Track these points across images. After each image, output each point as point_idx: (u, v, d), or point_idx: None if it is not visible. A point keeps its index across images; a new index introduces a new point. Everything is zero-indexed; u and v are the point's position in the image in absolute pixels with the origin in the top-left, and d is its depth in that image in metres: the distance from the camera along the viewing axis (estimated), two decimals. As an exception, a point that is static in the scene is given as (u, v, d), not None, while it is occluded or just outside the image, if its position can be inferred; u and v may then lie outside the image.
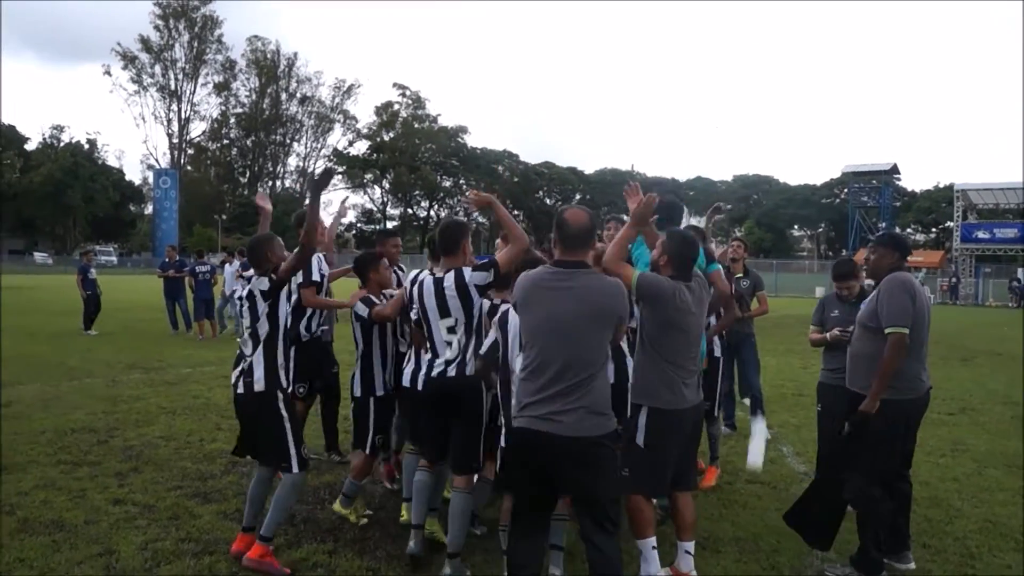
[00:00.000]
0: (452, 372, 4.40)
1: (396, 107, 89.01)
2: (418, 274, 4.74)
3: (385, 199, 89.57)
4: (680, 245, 4.17)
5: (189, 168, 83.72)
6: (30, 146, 77.08)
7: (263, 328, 4.42)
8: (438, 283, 4.42)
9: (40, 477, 5.95)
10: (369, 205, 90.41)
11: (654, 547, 4.14)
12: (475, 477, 4.54)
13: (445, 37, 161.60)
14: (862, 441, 4.45)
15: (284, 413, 4.41)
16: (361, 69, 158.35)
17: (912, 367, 4.51)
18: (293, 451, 4.39)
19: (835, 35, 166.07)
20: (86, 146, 76.72)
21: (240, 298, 4.51)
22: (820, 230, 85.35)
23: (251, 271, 4.62)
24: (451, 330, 4.42)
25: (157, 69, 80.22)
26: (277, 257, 4.50)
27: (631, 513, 4.16)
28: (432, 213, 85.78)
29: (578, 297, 3.53)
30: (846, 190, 68.05)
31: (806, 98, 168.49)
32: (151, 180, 74.12)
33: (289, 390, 4.69)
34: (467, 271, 4.37)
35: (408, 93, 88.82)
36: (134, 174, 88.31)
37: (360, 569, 4.42)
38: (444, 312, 4.41)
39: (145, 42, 78.54)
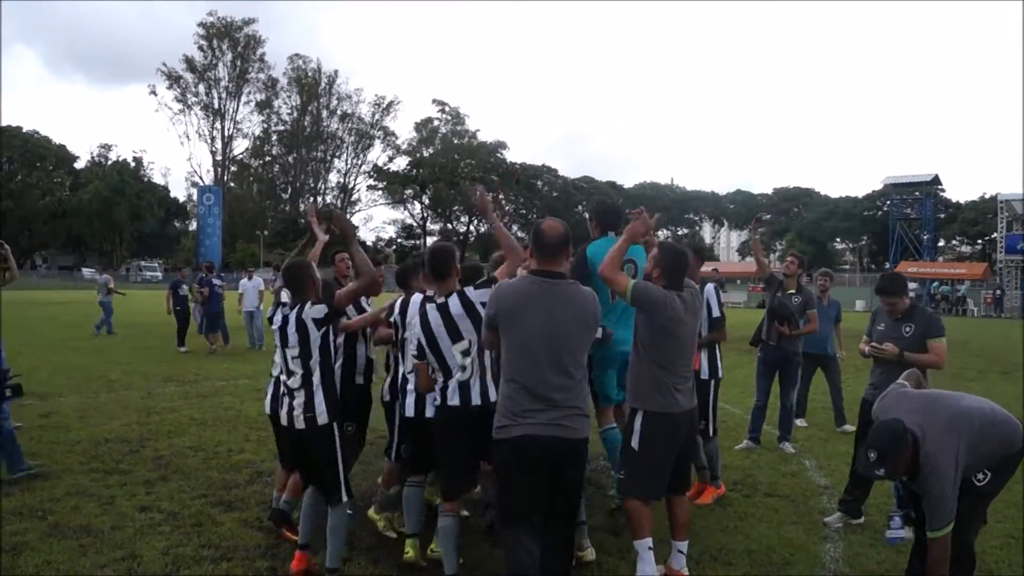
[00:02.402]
0: (477, 400, 4.26)
1: (435, 123, 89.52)
2: (405, 300, 4.95)
3: (425, 214, 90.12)
4: (671, 257, 4.42)
5: (232, 185, 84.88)
6: (79, 164, 79.04)
7: (317, 357, 4.36)
8: (443, 308, 4.27)
9: (72, 484, 6.16)
10: (409, 220, 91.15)
11: (650, 548, 4.26)
12: None
13: (484, 53, 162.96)
14: (992, 490, 4.19)
15: (339, 443, 4.42)
16: (400, 86, 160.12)
17: None
18: (343, 480, 4.41)
19: (875, 46, 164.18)
20: (132, 164, 78.38)
21: (281, 326, 4.42)
22: (863, 243, 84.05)
23: (283, 294, 4.65)
24: (465, 353, 4.26)
25: (201, 88, 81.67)
26: (317, 282, 4.51)
27: (629, 514, 4.34)
28: (472, 228, 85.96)
29: (567, 306, 3.72)
30: (888, 202, 67.01)
31: (847, 110, 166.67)
32: (195, 197, 75.31)
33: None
34: (469, 290, 4.28)
35: (447, 109, 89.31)
36: (179, 191, 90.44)
37: (373, 577, 4.52)
38: (456, 336, 4.25)
39: (189, 62, 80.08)
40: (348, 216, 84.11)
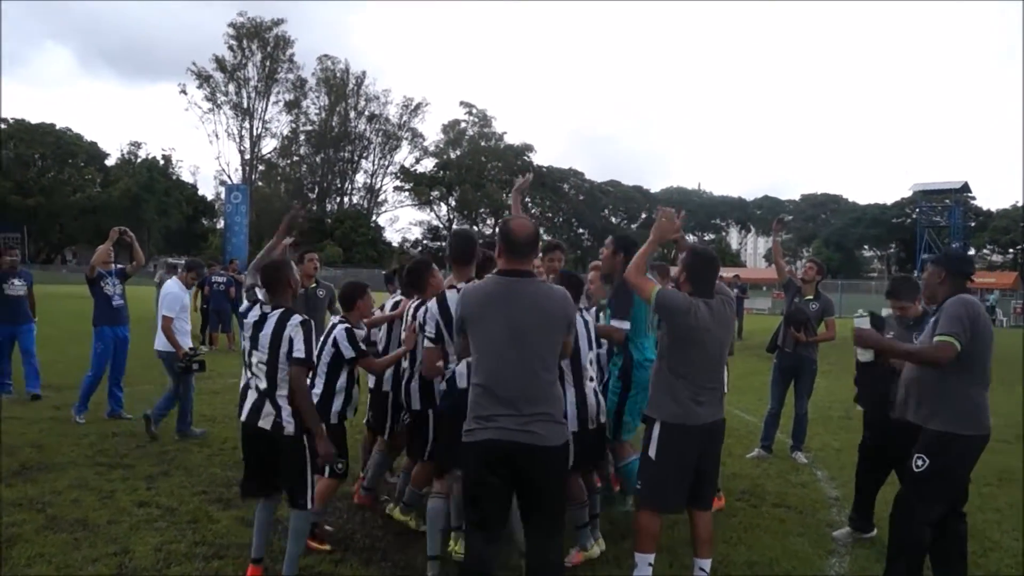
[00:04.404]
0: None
1: (463, 125, 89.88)
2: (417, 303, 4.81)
3: (451, 216, 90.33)
4: (699, 262, 4.26)
5: (260, 184, 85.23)
6: (109, 162, 79.88)
7: (285, 376, 4.23)
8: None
9: (75, 477, 6.18)
10: (435, 222, 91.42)
11: (651, 564, 4.16)
12: None
13: (512, 56, 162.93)
14: (929, 478, 4.26)
15: (308, 453, 4.30)
16: (428, 88, 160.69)
17: (982, 401, 4.30)
18: (310, 487, 4.31)
19: (905, 52, 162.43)
20: (161, 162, 79.14)
21: (256, 324, 4.28)
22: (891, 250, 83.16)
23: (258, 292, 4.52)
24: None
25: (231, 88, 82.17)
26: (294, 281, 4.43)
27: (638, 526, 4.22)
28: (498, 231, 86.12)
29: (535, 307, 3.57)
30: (917, 209, 66.24)
31: (876, 116, 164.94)
32: (223, 195, 75.81)
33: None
34: None
35: (475, 111, 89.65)
36: (207, 189, 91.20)
37: (363, 579, 4.47)
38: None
39: (220, 61, 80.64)
40: (374, 218, 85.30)
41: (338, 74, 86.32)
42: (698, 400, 4.14)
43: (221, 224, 78.80)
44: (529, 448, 3.47)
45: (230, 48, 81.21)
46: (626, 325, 5.00)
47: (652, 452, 4.18)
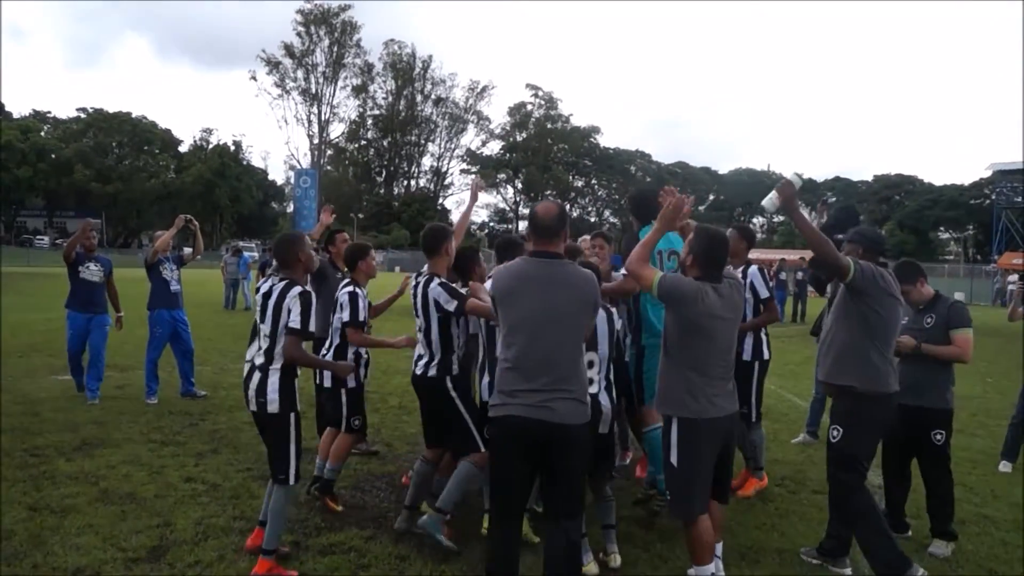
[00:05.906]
0: (419, 371, 4.87)
1: (529, 108, 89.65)
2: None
3: (517, 199, 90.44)
4: (707, 243, 3.96)
5: (329, 168, 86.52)
6: (183, 148, 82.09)
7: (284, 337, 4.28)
8: (416, 287, 4.84)
9: (129, 453, 6.46)
10: (502, 204, 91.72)
11: (713, 574, 4.02)
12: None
13: (578, 37, 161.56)
14: (845, 444, 4.45)
15: (293, 434, 4.32)
16: (494, 70, 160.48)
17: (881, 362, 4.36)
18: (292, 465, 4.32)
19: (980, 25, 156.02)
20: (232, 148, 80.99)
21: (264, 296, 4.37)
22: (968, 232, 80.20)
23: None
24: (419, 330, 4.85)
25: (299, 73, 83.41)
26: (306, 256, 4.47)
27: (691, 539, 3.97)
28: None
29: (564, 286, 3.64)
30: (996, 190, 63.61)
31: (952, 93, 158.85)
32: (292, 179, 77.18)
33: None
34: (434, 284, 4.69)
35: (541, 94, 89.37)
36: (277, 174, 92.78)
37: (391, 556, 4.58)
38: (416, 313, 4.83)
39: (288, 48, 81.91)
40: (440, 200, 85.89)
41: (404, 58, 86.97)
42: (713, 392, 3.90)
43: (291, 208, 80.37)
44: (548, 425, 3.52)
45: (298, 35, 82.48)
46: None
47: (674, 458, 3.94)
